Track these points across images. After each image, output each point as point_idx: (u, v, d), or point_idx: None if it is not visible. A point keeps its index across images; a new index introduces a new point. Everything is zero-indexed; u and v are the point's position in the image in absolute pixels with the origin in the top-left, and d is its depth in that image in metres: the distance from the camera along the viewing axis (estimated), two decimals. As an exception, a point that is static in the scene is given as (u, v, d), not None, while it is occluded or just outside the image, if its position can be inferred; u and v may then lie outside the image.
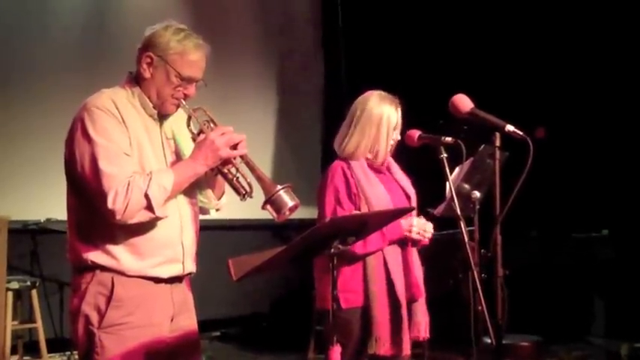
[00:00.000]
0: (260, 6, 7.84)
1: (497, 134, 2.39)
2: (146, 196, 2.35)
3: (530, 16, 6.82)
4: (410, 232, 3.06)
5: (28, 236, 5.74)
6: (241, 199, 2.52)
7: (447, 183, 3.07)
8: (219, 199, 2.76)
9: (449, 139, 2.98)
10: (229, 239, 6.32)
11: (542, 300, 6.28)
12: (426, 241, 3.23)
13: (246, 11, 7.71)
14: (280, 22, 7.95)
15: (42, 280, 5.48)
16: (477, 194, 3.46)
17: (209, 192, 2.72)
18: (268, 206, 2.38)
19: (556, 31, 6.69)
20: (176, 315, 2.59)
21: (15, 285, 4.96)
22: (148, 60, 2.50)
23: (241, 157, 2.48)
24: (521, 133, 2.37)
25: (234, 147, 2.46)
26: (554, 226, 6.60)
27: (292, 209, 2.39)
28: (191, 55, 2.49)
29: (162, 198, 2.39)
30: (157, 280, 2.51)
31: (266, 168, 7.52)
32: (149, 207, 2.37)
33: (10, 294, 4.89)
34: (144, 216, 2.39)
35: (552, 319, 6.15)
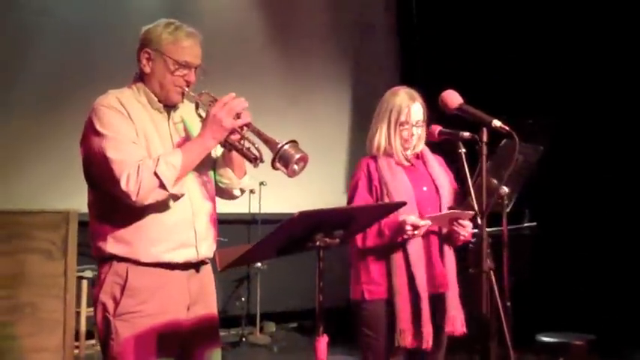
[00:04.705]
0: (334, 4, 7.91)
1: (485, 129, 2.38)
2: (155, 174, 2.45)
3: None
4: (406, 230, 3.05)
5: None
6: (254, 166, 2.60)
7: (467, 177, 3.05)
8: (241, 178, 2.82)
9: (467, 134, 2.95)
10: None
11: (608, 299, 6.06)
12: (467, 237, 3.23)
13: (320, 10, 7.80)
14: (355, 20, 7.98)
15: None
16: (505, 190, 3.39)
17: (228, 171, 2.79)
18: (277, 164, 2.44)
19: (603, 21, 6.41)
20: (192, 304, 2.67)
21: (89, 274, 5.27)
22: (147, 56, 2.64)
23: (247, 125, 2.56)
24: (507, 128, 2.36)
25: (238, 117, 2.54)
26: (614, 224, 6.32)
27: (299, 162, 2.44)
28: (183, 41, 2.62)
29: (172, 175, 2.48)
30: (172, 267, 2.61)
31: (341, 164, 7.60)
32: (162, 185, 2.46)
33: (85, 282, 5.21)
34: (159, 195, 2.49)
35: (620, 319, 5.93)
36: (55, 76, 6.33)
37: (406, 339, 3.09)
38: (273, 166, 2.45)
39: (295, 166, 2.44)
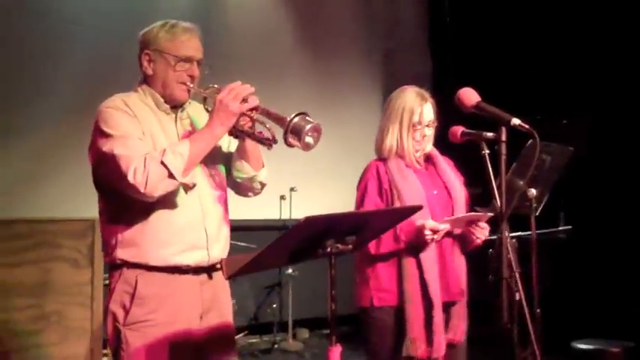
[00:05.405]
0: (366, 6, 7.81)
1: (504, 128, 2.27)
2: (162, 163, 2.40)
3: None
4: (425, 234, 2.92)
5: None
6: (268, 149, 2.54)
7: (491, 179, 2.94)
8: (259, 171, 2.75)
9: (490, 134, 2.84)
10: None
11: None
12: (478, 242, 3.09)
13: (352, 11, 7.72)
14: (386, 22, 7.90)
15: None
16: (533, 192, 3.27)
17: (244, 165, 2.71)
18: (290, 139, 2.36)
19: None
20: (206, 312, 2.62)
21: (117, 281, 5.23)
22: (147, 57, 2.63)
23: (255, 109, 2.50)
24: (527, 126, 2.24)
25: (245, 101, 2.48)
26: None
27: (312, 132, 2.36)
28: (181, 36, 2.61)
29: (179, 164, 2.42)
30: (183, 272, 2.55)
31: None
32: (170, 175, 2.41)
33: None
34: (169, 185, 2.43)
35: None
36: (83, 83, 6.33)
37: (418, 348, 2.95)
38: (287, 142, 2.37)
39: (309, 138, 2.35)
